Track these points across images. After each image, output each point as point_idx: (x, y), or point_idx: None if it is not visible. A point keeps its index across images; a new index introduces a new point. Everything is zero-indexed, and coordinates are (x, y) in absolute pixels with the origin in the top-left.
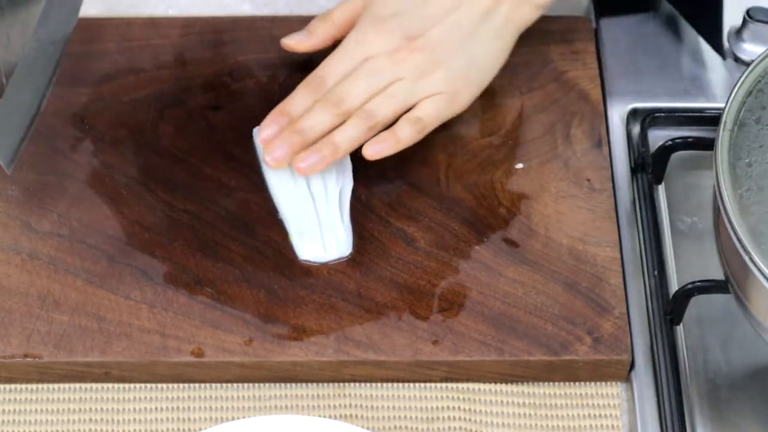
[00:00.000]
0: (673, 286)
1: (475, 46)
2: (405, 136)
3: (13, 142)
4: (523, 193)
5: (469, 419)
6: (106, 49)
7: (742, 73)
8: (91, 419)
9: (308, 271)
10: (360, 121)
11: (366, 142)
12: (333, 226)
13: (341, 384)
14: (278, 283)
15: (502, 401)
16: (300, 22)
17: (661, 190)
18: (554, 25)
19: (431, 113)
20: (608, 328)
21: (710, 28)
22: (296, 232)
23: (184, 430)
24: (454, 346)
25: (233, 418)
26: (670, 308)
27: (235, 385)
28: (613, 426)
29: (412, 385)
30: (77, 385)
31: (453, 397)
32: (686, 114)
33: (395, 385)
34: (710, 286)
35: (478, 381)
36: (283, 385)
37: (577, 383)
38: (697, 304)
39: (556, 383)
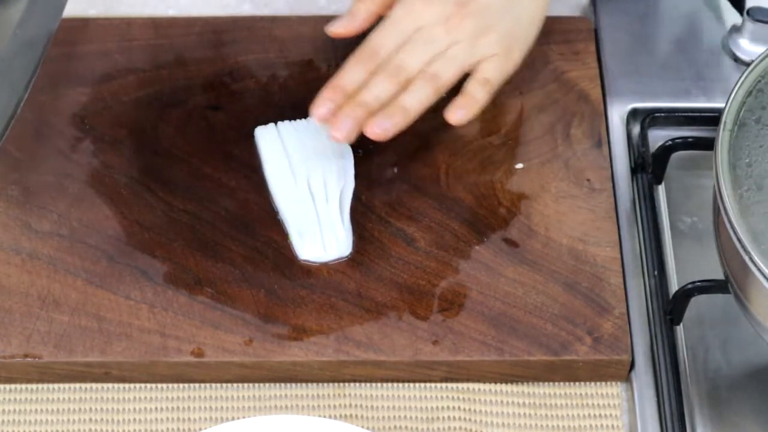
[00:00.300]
0: (673, 286)
1: (518, 6)
2: (480, 97)
3: None
4: (523, 193)
5: (469, 419)
6: (106, 49)
7: (742, 73)
8: (91, 419)
9: (308, 271)
10: (425, 83)
11: (431, 104)
12: (333, 226)
13: (341, 384)
14: (278, 283)
15: (502, 401)
16: (300, 22)
17: (661, 190)
18: (554, 25)
19: (494, 73)
20: (608, 328)
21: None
22: (296, 232)
23: (184, 430)
24: (454, 346)
25: (233, 418)
26: (670, 308)
27: (235, 385)
28: (613, 426)
29: (412, 385)
30: (77, 385)
31: (453, 397)
32: (686, 114)
33: (395, 385)
34: (710, 286)
35: (478, 381)
36: (283, 385)
37: (577, 383)
38: (697, 304)
39: (556, 383)
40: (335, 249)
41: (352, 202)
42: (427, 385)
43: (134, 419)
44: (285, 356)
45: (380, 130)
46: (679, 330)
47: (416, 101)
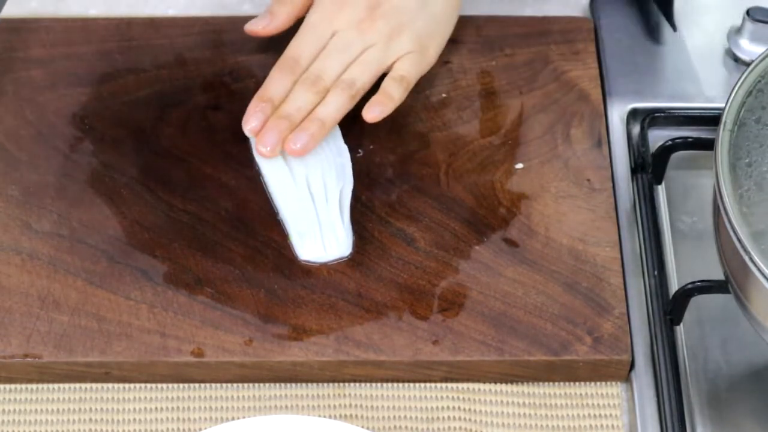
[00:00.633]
0: (673, 286)
1: (431, 4)
2: (395, 94)
3: None
4: (523, 193)
5: (469, 419)
6: (106, 49)
7: (742, 73)
8: (91, 419)
9: (308, 271)
10: (340, 92)
11: (348, 110)
12: (333, 226)
13: (341, 384)
14: (278, 283)
15: (502, 401)
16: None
17: (661, 190)
18: (554, 25)
19: (410, 69)
20: (608, 328)
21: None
22: (296, 233)
23: (184, 430)
24: (454, 346)
25: (233, 418)
26: (670, 308)
27: (235, 385)
28: (613, 426)
29: (412, 385)
30: (77, 385)
31: (453, 397)
32: (686, 114)
33: (395, 385)
34: (710, 286)
35: (478, 381)
36: (283, 385)
37: (577, 383)
38: (697, 304)
39: (556, 383)
40: (335, 249)
41: (352, 202)
42: (427, 385)
43: (134, 419)
44: (285, 356)
45: (298, 145)
46: (679, 330)
47: (332, 110)
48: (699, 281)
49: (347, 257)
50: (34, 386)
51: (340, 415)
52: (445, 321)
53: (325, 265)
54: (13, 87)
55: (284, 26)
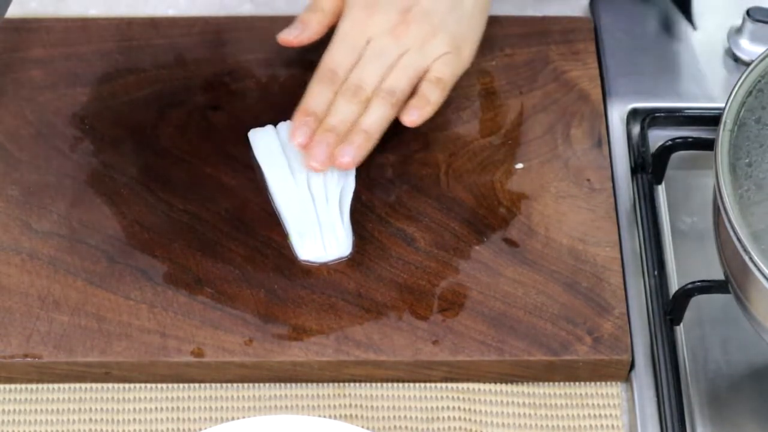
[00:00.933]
0: (673, 286)
1: (462, 5)
2: (434, 97)
3: None
4: (523, 193)
5: (469, 419)
6: (106, 49)
7: (742, 73)
8: (91, 419)
9: (308, 271)
10: (382, 101)
11: (392, 119)
12: (333, 226)
13: (341, 384)
14: (278, 283)
15: (502, 401)
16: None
17: (661, 190)
18: (554, 25)
19: (446, 71)
20: (608, 328)
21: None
22: (296, 232)
23: (184, 430)
24: (454, 346)
25: (233, 418)
26: (670, 308)
27: (235, 385)
28: (613, 426)
29: (412, 385)
30: (77, 385)
31: (453, 397)
32: (686, 114)
33: (395, 385)
34: (710, 286)
35: (478, 381)
36: (283, 385)
37: (577, 383)
38: (697, 304)
39: (556, 383)
40: (335, 249)
41: (352, 202)
42: (427, 385)
43: (134, 419)
44: (285, 356)
45: (347, 159)
46: (679, 330)
47: (376, 121)
48: (699, 281)
49: (347, 257)
50: (34, 386)
51: (340, 415)
52: (445, 321)
53: (325, 265)
54: (13, 87)
55: (317, 35)
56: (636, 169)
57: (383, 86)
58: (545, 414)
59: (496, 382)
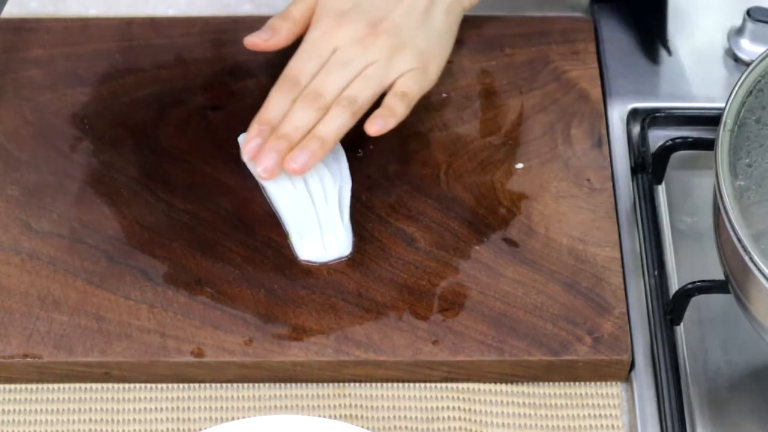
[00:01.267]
0: (673, 286)
1: (431, 23)
2: (399, 109)
3: None
4: (523, 193)
5: (469, 419)
6: (106, 49)
7: (742, 73)
8: (91, 419)
9: (308, 271)
10: (342, 109)
11: (350, 128)
12: (333, 226)
13: (341, 384)
14: (278, 283)
15: (502, 401)
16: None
17: (661, 190)
18: (554, 25)
19: (412, 86)
20: (608, 328)
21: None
22: (296, 233)
23: (184, 430)
24: (454, 346)
25: (233, 418)
26: (670, 308)
27: (235, 385)
28: (613, 426)
29: (412, 385)
30: (77, 385)
31: (453, 397)
32: (686, 114)
33: (395, 385)
34: (710, 286)
35: (478, 381)
36: (283, 385)
37: (577, 383)
38: (697, 304)
39: (556, 383)
40: (335, 249)
41: (352, 202)
42: (427, 385)
43: (134, 419)
44: (285, 356)
45: (298, 164)
46: (679, 330)
47: (333, 129)
48: (699, 281)
49: (347, 257)
50: (34, 386)
51: (340, 415)
52: (445, 321)
53: (325, 265)
54: (13, 87)
55: (285, 42)
56: (636, 169)
57: (344, 94)
58: (545, 414)
59: (496, 382)
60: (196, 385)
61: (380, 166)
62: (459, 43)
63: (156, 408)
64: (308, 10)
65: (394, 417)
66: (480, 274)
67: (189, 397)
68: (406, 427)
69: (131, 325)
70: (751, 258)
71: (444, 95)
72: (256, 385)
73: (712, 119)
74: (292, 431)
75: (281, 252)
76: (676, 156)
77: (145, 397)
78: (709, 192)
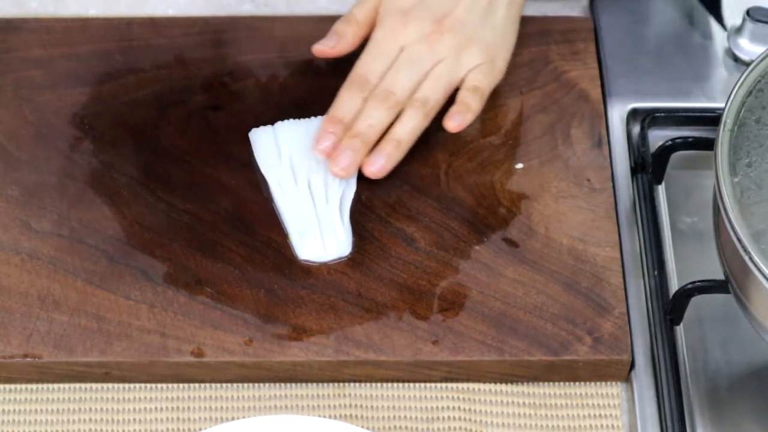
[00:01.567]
0: (673, 286)
1: (495, 16)
2: (473, 104)
3: None
4: (523, 193)
5: (469, 419)
6: (106, 49)
7: (742, 73)
8: (91, 419)
9: (308, 271)
10: (415, 111)
11: (424, 129)
12: (333, 226)
13: (341, 384)
14: (278, 283)
15: (502, 401)
16: (300, 22)
17: (661, 190)
18: (554, 25)
19: (483, 80)
20: (608, 328)
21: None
22: (296, 232)
23: (184, 430)
24: (454, 346)
25: (233, 418)
26: (670, 308)
27: (235, 385)
28: (613, 426)
29: (412, 385)
30: (77, 385)
31: (453, 397)
32: (686, 114)
33: (395, 385)
34: (710, 286)
35: (478, 381)
36: (283, 385)
37: (577, 383)
38: (697, 304)
39: (556, 383)
40: (335, 249)
41: (352, 201)
42: (427, 385)
43: (134, 419)
44: (285, 356)
45: (376, 168)
46: (679, 330)
47: (408, 131)
48: (699, 281)
49: (347, 257)
50: (34, 386)
51: (340, 415)
52: (445, 321)
53: (325, 265)
54: (13, 87)
55: (352, 47)
56: (636, 169)
57: (417, 95)
58: (545, 414)
59: (496, 382)
60: (196, 385)
61: None
62: None
63: (156, 408)
64: (371, 11)
65: (394, 417)
66: (480, 274)
67: (189, 397)
68: (406, 427)
69: (131, 325)
70: (751, 258)
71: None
72: (256, 385)
73: (712, 119)
74: (292, 431)
75: (281, 252)
76: (676, 156)
77: (145, 397)
78: (709, 192)
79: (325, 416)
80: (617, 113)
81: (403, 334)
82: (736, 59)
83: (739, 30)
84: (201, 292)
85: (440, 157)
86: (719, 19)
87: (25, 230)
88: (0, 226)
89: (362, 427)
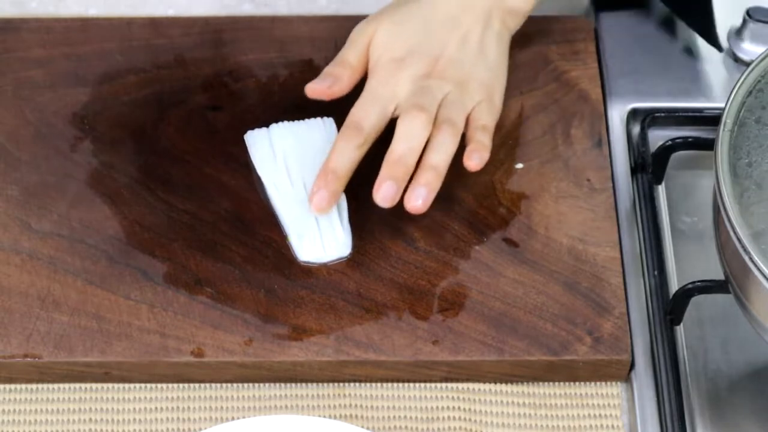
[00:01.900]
0: (673, 286)
1: (487, 53)
2: (487, 142)
3: None
4: (523, 193)
5: (469, 419)
6: (106, 49)
7: (742, 73)
8: (91, 419)
9: (308, 271)
10: (446, 132)
11: (454, 152)
12: (332, 227)
13: (341, 384)
14: (278, 283)
15: (502, 401)
16: (300, 22)
17: (661, 190)
18: (554, 25)
19: (488, 118)
20: (608, 328)
21: (702, 21)
22: (295, 234)
23: (184, 430)
24: (454, 346)
25: (233, 418)
26: (670, 308)
27: (235, 385)
28: (613, 426)
29: (412, 385)
30: (77, 385)
31: (453, 397)
32: (686, 114)
33: (395, 385)
34: (710, 286)
35: (478, 381)
36: (283, 385)
37: (577, 383)
38: (697, 304)
39: (556, 383)
40: (334, 250)
41: (353, 201)
42: (427, 385)
43: (134, 419)
44: (285, 356)
45: (420, 201)
46: (679, 330)
47: (444, 157)
48: (699, 281)
49: (346, 257)
50: (34, 386)
51: (340, 415)
52: (445, 321)
53: (325, 266)
54: (13, 87)
55: (348, 89)
56: (636, 169)
57: (442, 116)
58: (545, 414)
59: (496, 382)
60: (196, 385)
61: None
62: None
63: (156, 408)
64: (362, 55)
65: (394, 417)
66: (480, 274)
67: (189, 397)
68: (406, 427)
69: (131, 325)
70: (751, 258)
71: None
72: (256, 385)
73: (712, 119)
74: (292, 431)
75: (281, 252)
76: (676, 156)
77: (145, 397)
78: (709, 192)
79: (325, 416)
80: (617, 113)
81: (403, 334)
82: (736, 59)
83: (739, 30)
84: (201, 292)
85: None
86: (714, 42)
87: (25, 230)
88: (0, 226)
89: (362, 427)
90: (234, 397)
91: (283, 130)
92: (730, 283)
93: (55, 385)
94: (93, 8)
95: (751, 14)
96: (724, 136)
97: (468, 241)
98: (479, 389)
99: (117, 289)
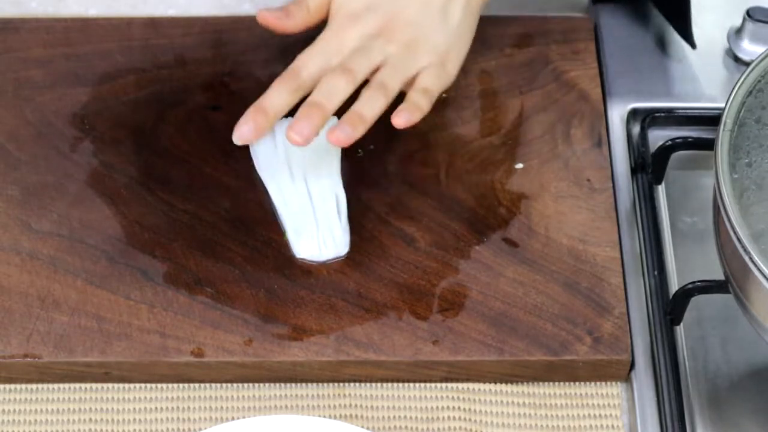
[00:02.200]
0: (673, 286)
1: (449, 19)
2: (422, 105)
3: None
4: (523, 193)
5: (469, 419)
6: (106, 49)
7: (742, 73)
8: (91, 419)
9: (308, 271)
10: (376, 92)
11: (383, 111)
12: (330, 225)
13: (341, 384)
14: (278, 283)
15: (502, 401)
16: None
17: (661, 190)
18: (554, 25)
19: (433, 82)
20: (608, 328)
21: (678, 15)
22: (293, 230)
23: (184, 430)
24: (454, 346)
25: (233, 418)
26: (670, 308)
27: (235, 385)
28: (613, 426)
29: (412, 385)
30: (77, 385)
31: (453, 397)
32: (686, 114)
33: (395, 385)
34: (710, 286)
35: (478, 381)
36: (283, 385)
37: (577, 383)
38: (697, 304)
39: (556, 383)
40: (332, 248)
41: (352, 201)
42: (427, 385)
43: (134, 419)
44: (285, 356)
45: (344, 134)
46: (679, 330)
47: (369, 109)
48: (699, 281)
49: (344, 256)
50: (34, 386)
51: (340, 415)
52: (445, 321)
53: (325, 265)
54: (13, 87)
55: (295, 28)
56: (636, 169)
57: (376, 79)
58: (545, 414)
59: (496, 382)
60: (196, 385)
61: (380, 166)
62: None
63: (156, 408)
64: (324, 4)
65: (394, 417)
66: (480, 274)
67: (189, 397)
68: (406, 427)
69: (131, 325)
70: (751, 258)
71: (444, 95)
72: (256, 385)
73: (712, 119)
74: (292, 431)
75: (281, 252)
76: (676, 156)
77: (145, 397)
78: (709, 192)
79: (325, 416)
80: (617, 113)
81: (403, 334)
82: (736, 59)
83: (739, 30)
84: (201, 292)
85: (440, 157)
86: (688, 38)
87: (25, 230)
88: (0, 226)
89: (362, 427)
90: (234, 397)
91: (285, 126)
92: (730, 283)
93: (55, 385)
94: (93, 8)
95: (751, 14)
96: (724, 136)
97: (468, 241)
98: (479, 389)
99: (117, 289)
